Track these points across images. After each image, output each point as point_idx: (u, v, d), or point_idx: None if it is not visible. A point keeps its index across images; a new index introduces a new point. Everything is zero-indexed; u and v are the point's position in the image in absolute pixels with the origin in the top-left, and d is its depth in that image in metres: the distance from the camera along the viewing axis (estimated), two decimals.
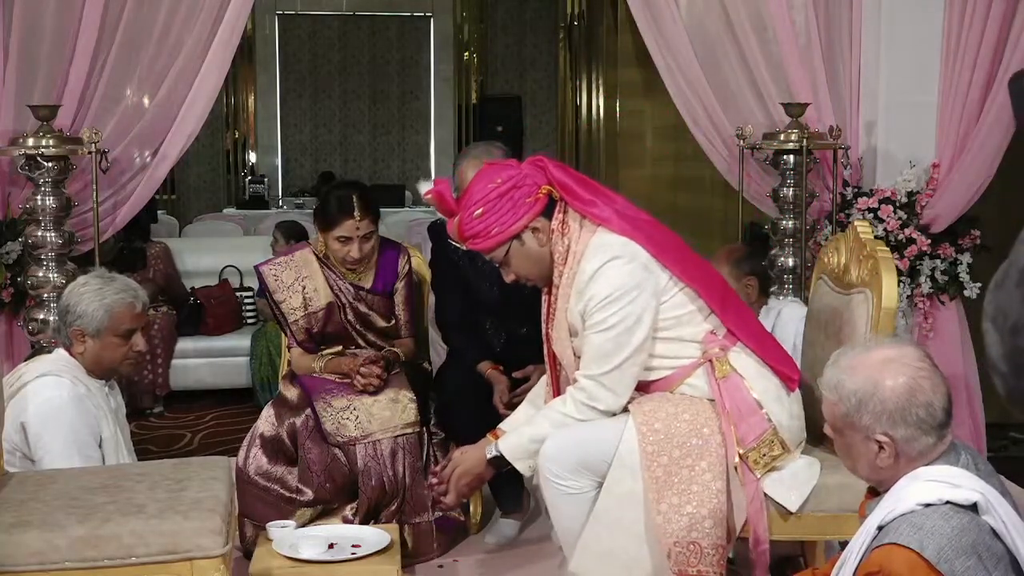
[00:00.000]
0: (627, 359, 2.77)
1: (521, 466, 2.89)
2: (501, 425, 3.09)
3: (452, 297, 3.83)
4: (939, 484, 1.98)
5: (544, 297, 2.99)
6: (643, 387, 2.89)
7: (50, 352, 3.33)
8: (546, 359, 3.05)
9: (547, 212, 2.87)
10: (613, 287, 2.75)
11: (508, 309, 3.72)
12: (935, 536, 1.90)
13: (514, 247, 2.88)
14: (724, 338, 2.84)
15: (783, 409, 2.81)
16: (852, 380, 2.07)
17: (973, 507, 1.96)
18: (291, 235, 5.98)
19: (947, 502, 1.95)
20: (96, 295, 3.15)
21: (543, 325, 3.01)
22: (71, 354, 3.17)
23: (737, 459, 2.74)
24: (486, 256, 2.96)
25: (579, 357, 2.87)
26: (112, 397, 3.27)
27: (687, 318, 2.85)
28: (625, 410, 2.82)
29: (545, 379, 3.11)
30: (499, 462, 2.93)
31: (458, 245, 3.21)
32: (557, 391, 3.01)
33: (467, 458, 2.99)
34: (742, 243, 4.58)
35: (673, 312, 2.83)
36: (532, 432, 2.87)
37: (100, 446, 3.10)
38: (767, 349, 2.88)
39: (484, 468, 2.96)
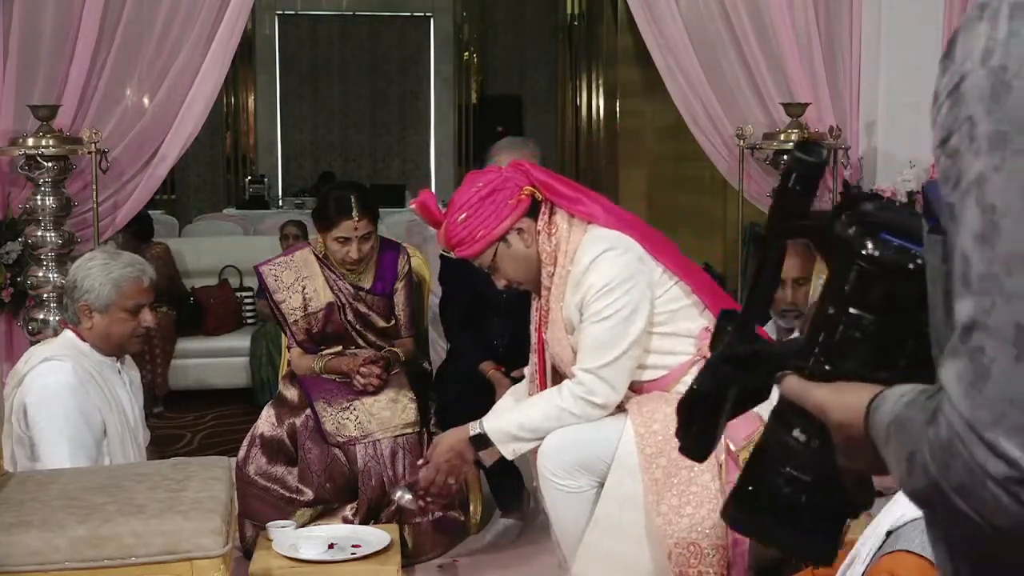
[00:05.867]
0: (624, 352, 2.76)
1: (505, 449, 2.85)
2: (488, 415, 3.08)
3: (459, 294, 3.83)
4: None
5: (535, 303, 2.99)
6: (639, 388, 2.88)
7: (58, 334, 3.25)
8: (535, 367, 3.03)
9: (532, 213, 2.87)
10: (609, 276, 2.75)
11: (514, 309, 3.71)
12: None
13: (500, 250, 2.87)
14: None
15: None
16: None
17: None
18: (306, 233, 5.99)
19: None
20: (103, 270, 3.09)
21: (534, 332, 3.00)
22: (78, 332, 3.11)
23: (724, 457, 2.74)
24: (475, 263, 2.94)
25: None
26: (124, 372, 3.21)
27: (683, 312, 2.85)
28: (624, 411, 2.82)
29: (528, 383, 3.09)
30: (481, 441, 2.87)
31: (449, 255, 3.20)
32: None
33: (448, 434, 2.95)
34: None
35: (669, 306, 2.84)
36: (521, 418, 2.84)
37: (105, 435, 3.05)
38: None
39: (465, 446, 2.89)
